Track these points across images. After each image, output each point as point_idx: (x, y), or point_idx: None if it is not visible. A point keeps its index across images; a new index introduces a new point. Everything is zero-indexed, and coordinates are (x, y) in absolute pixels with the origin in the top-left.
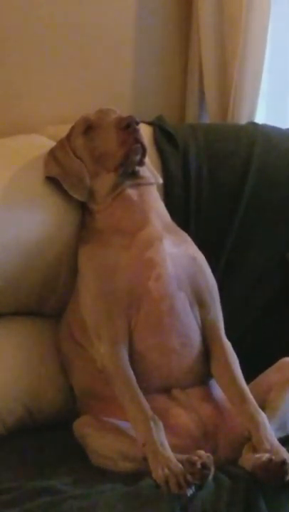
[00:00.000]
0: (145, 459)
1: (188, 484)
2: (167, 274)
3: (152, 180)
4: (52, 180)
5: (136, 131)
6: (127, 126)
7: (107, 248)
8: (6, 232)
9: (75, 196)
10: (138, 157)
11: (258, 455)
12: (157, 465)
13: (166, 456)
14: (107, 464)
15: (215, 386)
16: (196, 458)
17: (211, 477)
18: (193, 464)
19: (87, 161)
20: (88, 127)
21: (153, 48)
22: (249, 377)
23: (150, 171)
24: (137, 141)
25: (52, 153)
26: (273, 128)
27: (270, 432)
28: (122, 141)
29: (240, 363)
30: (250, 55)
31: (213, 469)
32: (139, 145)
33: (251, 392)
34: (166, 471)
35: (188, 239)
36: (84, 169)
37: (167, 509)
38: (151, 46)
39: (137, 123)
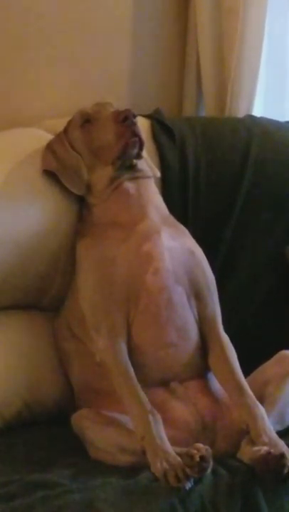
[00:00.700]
0: (144, 452)
1: (187, 477)
2: (165, 267)
3: (150, 174)
4: (50, 174)
5: (133, 124)
6: (125, 120)
7: (105, 242)
8: (4, 225)
9: (73, 190)
10: (135, 150)
11: (256, 448)
12: (156, 458)
13: (165, 449)
14: (105, 457)
15: (213, 379)
16: (194, 451)
17: (209, 470)
18: (191, 457)
19: (85, 154)
20: (86, 121)
21: (150, 42)
22: (248, 371)
23: (148, 164)
24: (135, 134)
25: (50, 147)
26: (271, 121)
27: (269, 425)
28: (120, 135)
29: (239, 356)
30: (248, 48)
31: (211, 462)
32: (136, 138)
33: (249, 385)
34: (165, 464)
35: (187, 232)
36: (81, 163)
37: (166, 502)
38: (149, 40)
39: (135, 116)
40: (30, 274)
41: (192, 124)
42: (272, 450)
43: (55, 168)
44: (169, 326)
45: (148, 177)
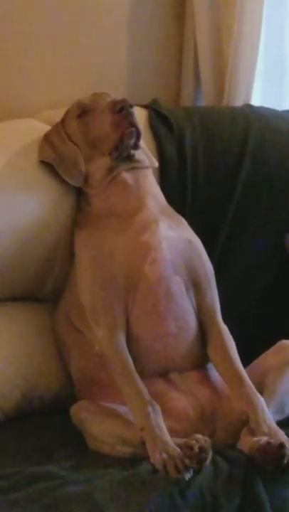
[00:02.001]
0: (143, 443)
1: (186, 468)
2: (163, 257)
3: (148, 164)
4: (47, 165)
5: (130, 114)
6: (121, 110)
7: (103, 232)
8: (2, 217)
9: (71, 182)
10: (133, 140)
11: (255, 438)
12: (155, 449)
13: (164, 440)
14: (105, 448)
15: (212, 370)
16: (193, 442)
17: (208, 461)
18: (190, 447)
19: (82, 145)
20: (82, 111)
21: (148, 31)
22: (247, 360)
23: (145, 154)
24: (132, 124)
25: (47, 138)
26: (269, 110)
27: (268, 415)
28: (116, 125)
29: (238, 345)
30: (246, 38)
31: (210, 453)
32: (133, 128)
33: (249, 375)
34: (164, 455)
35: (185, 222)
36: (79, 154)
37: (165, 493)
38: (146, 29)
39: (131, 106)
40: (28, 266)
41: (190, 113)
42: (271, 440)
43: (53, 160)
44: (167, 316)
45: (146, 167)
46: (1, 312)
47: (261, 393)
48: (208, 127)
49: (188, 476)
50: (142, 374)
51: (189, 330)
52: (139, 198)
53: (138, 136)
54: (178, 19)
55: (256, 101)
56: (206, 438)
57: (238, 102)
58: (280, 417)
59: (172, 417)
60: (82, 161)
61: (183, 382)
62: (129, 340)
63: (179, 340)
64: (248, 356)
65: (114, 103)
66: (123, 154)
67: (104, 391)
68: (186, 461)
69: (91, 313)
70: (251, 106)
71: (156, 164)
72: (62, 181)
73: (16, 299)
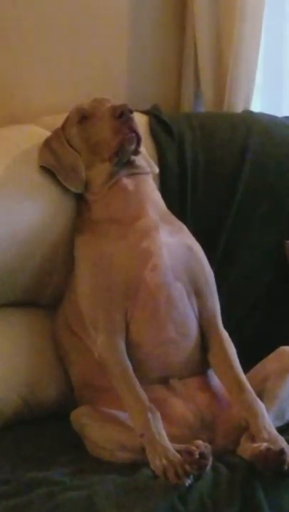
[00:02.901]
0: (143, 449)
1: (187, 474)
2: (163, 263)
3: (148, 170)
4: (47, 171)
5: (130, 119)
6: (121, 115)
7: (103, 238)
8: (1, 222)
9: (71, 189)
10: (133, 146)
11: (256, 444)
12: (155, 455)
13: (164, 446)
14: (104, 454)
15: (212, 376)
16: (193, 448)
17: (209, 467)
18: (191, 453)
19: (82, 151)
20: (83, 117)
21: (148, 38)
22: (247, 366)
23: (146, 160)
24: (132, 129)
25: (47, 144)
26: (269, 116)
27: (268, 421)
28: (116, 130)
29: (239, 351)
30: (246, 44)
31: (211, 459)
32: (133, 134)
33: (249, 381)
34: (164, 461)
35: (185, 228)
36: (79, 161)
37: (165, 499)
38: (147, 36)
39: (131, 111)
40: (28, 271)
41: (190, 119)
42: (271, 446)
43: (53, 166)
44: (168, 323)
45: (146, 173)
46: (0, 317)
47: (261, 399)
48: (208, 133)
49: (188, 482)
50: (142, 380)
51: (190, 336)
52: (139, 204)
53: (138, 142)
54: (178, 25)
55: (256, 107)
56: (206, 444)
57: (238, 108)
58: (280, 423)
59: (172, 423)
60: (82, 167)
61: (183, 388)
62: (129, 346)
63: (180, 346)
64: (247, 362)
65: (114, 108)
66: (123, 160)
67: (105, 397)
68: (187, 467)
69: (90, 320)
70: (251, 112)
71: (157, 170)
72: (63, 187)
73: (15, 304)
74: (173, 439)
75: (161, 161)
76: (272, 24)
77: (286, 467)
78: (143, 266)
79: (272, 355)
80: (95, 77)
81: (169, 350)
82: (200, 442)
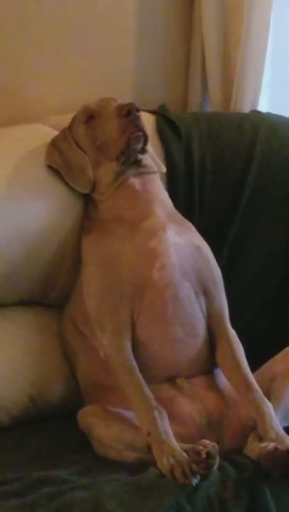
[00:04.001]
0: (150, 448)
1: (194, 473)
2: (171, 263)
3: (155, 169)
4: (55, 170)
5: (137, 118)
6: (128, 114)
7: (111, 238)
8: (9, 222)
9: (78, 190)
10: (140, 145)
11: (263, 444)
12: (162, 454)
13: (171, 445)
14: (111, 453)
15: (220, 375)
16: (201, 447)
17: (216, 466)
18: (198, 453)
19: (90, 150)
20: (89, 116)
21: (155, 37)
22: (254, 366)
23: (153, 159)
24: (138, 128)
25: (54, 144)
26: (277, 116)
27: (276, 421)
28: (123, 129)
29: (246, 351)
30: (253, 44)
31: (218, 459)
32: (140, 133)
33: (256, 380)
34: (172, 460)
35: (192, 228)
36: (87, 161)
37: (172, 498)
38: (154, 35)
39: (138, 110)
40: (35, 271)
41: (197, 119)
42: (279, 446)
43: (60, 167)
44: (175, 322)
45: (153, 172)
46: (8, 317)
47: (268, 399)
48: (215, 133)
49: (195, 481)
50: (149, 379)
51: (197, 336)
52: (146, 204)
53: (145, 141)
54: (185, 25)
55: (263, 107)
56: (214, 443)
57: (246, 108)
58: (287, 423)
59: (179, 422)
60: (89, 167)
61: (190, 387)
62: (136, 346)
63: (187, 346)
64: (255, 362)
65: (120, 107)
66: (130, 159)
67: (111, 396)
68: (194, 466)
69: (96, 319)
70: (258, 112)
71: (164, 169)
72: (70, 187)
73: (23, 304)
74: (180, 438)
75: (169, 161)
76: (280, 23)
77: None
78: (150, 266)
79: (279, 356)
80: (102, 77)
81: (176, 350)
82: (207, 442)
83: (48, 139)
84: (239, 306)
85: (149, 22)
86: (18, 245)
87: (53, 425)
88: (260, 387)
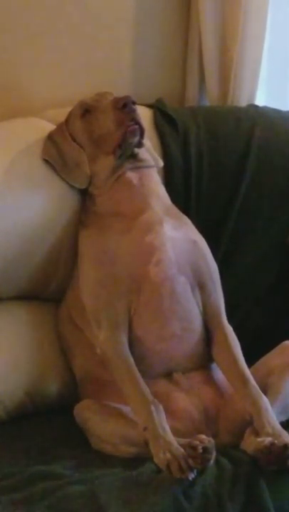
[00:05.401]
0: (146, 443)
1: (190, 468)
2: (167, 258)
3: (152, 163)
4: (51, 164)
5: (133, 111)
6: (124, 106)
7: (107, 232)
8: (6, 216)
9: (75, 185)
10: (136, 138)
11: (259, 439)
12: (159, 449)
13: (168, 440)
14: (108, 448)
15: (216, 370)
16: (197, 442)
17: (212, 461)
18: (194, 448)
19: (86, 145)
20: (86, 111)
21: (153, 31)
22: (251, 361)
23: (150, 153)
24: (135, 121)
25: (51, 138)
26: (274, 110)
27: (272, 416)
28: (119, 122)
29: (242, 346)
30: (250, 38)
31: (214, 453)
32: (136, 126)
33: (253, 375)
34: (168, 455)
35: (189, 222)
36: (83, 156)
37: (169, 493)
38: (151, 29)
39: (134, 103)
40: (32, 265)
41: (195, 113)
42: (275, 441)
43: (55, 162)
44: (172, 317)
45: (150, 166)
46: (5, 311)
47: (265, 394)
48: (212, 127)
49: (192, 476)
50: (145, 374)
51: (194, 331)
52: (143, 198)
53: (141, 134)
54: (183, 18)
55: (260, 101)
56: (210, 438)
57: (243, 102)
58: (283, 418)
59: (175, 417)
60: (86, 162)
61: (186, 382)
62: (133, 341)
63: (183, 341)
64: (251, 356)
65: (116, 100)
66: (127, 153)
67: (108, 390)
68: (190, 461)
69: (93, 314)
70: (256, 106)
71: (162, 164)
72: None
73: (20, 298)
74: (176, 433)
75: (166, 155)
76: (277, 17)
77: None
78: (147, 260)
79: (275, 350)
80: (99, 72)
81: (172, 345)
82: (203, 436)
83: (45, 133)
84: (235, 300)
85: (146, 16)
86: (15, 239)
87: (49, 420)
88: (256, 381)
